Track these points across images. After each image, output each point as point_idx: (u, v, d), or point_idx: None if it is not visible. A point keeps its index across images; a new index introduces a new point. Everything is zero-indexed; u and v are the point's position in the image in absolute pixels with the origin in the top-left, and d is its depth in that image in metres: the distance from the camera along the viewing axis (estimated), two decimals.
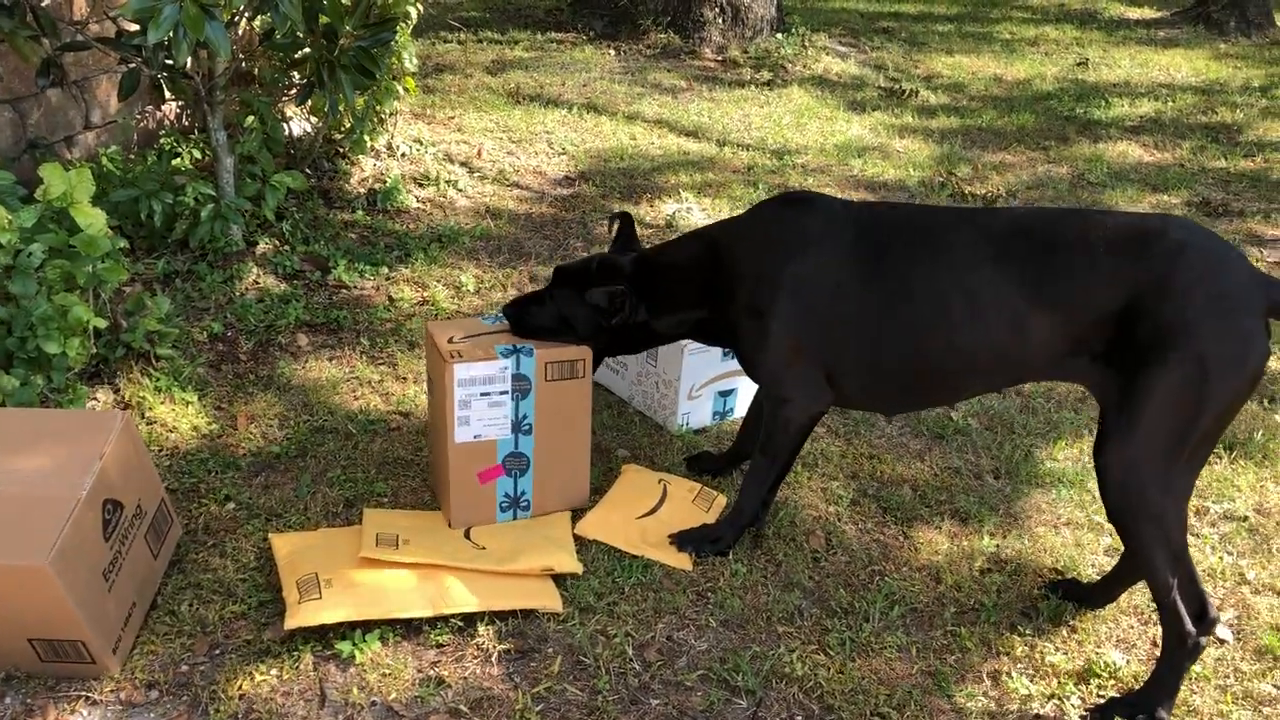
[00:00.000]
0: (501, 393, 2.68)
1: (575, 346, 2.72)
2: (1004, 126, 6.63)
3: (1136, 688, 2.37)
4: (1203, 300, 2.11)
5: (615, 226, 2.91)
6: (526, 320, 2.76)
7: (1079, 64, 8.31)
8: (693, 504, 2.93)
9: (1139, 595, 2.69)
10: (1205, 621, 2.29)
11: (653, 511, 2.87)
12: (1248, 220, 5.29)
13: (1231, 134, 6.72)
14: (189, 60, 3.60)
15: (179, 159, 4.21)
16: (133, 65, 3.63)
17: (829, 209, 2.56)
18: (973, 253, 2.32)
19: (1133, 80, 7.91)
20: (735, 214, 3.08)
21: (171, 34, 3.04)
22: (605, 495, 2.92)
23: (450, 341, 2.73)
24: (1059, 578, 2.73)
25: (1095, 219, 2.30)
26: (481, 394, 2.68)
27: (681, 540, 2.76)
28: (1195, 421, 2.13)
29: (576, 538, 2.76)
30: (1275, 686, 2.43)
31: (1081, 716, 2.33)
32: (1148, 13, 10.46)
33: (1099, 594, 2.63)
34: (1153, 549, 2.20)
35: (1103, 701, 2.35)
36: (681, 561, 2.71)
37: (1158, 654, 2.46)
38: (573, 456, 2.83)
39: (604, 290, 2.64)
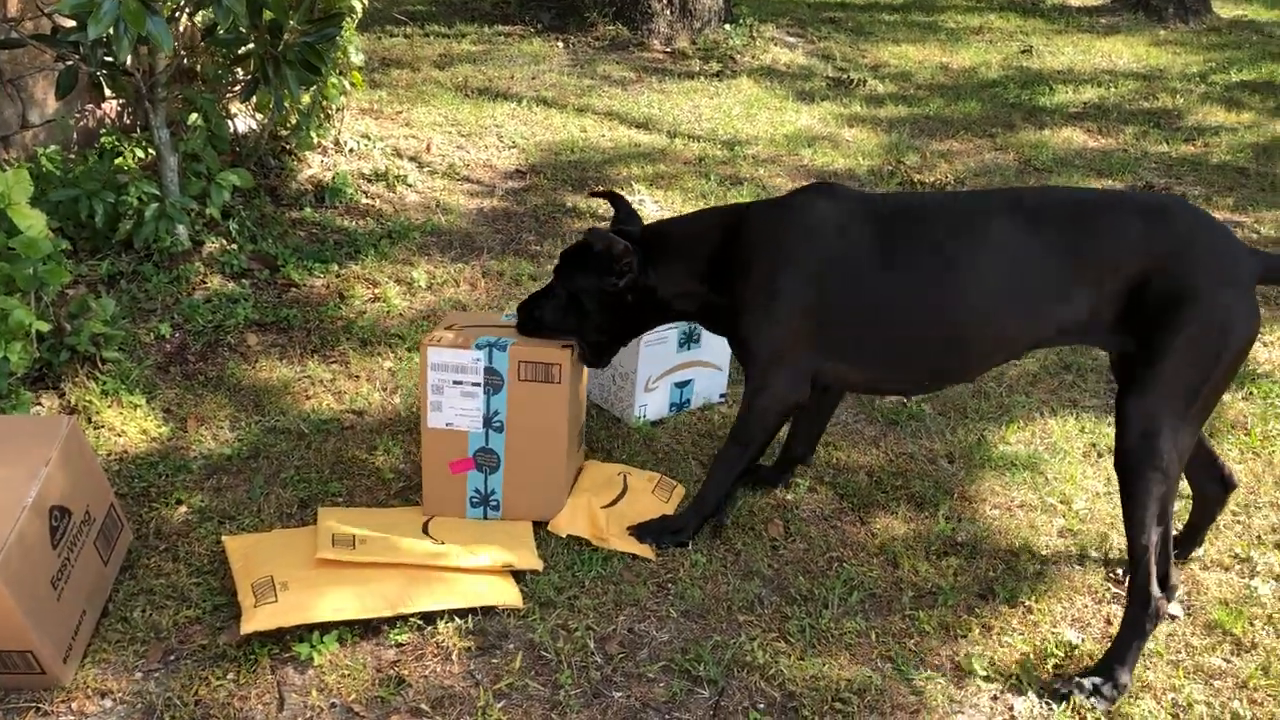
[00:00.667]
0: (474, 384, 2.67)
1: (553, 348, 2.68)
2: (951, 114, 6.69)
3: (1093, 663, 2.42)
4: (1214, 268, 2.31)
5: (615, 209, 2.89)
6: (533, 316, 2.74)
7: (1023, 52, 8.41)
8: (652, 494, 2.93)
9: (1092, 574, 2.73)
10: (1168, 588, 2.41)
11: (614, 503, 2.86)
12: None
13: (1172, 119, 6.84)
14: (129, 57, 3.53)
15: (121, 158, 4.13)
16: (70, 63, 3.55)
17: (856, 196, 2.63)
18: (1004, 229, 2.43)
19: (1076, 67, 8.01)
20: (715, 204, 3.09)
21: (111, 29, 2.99)
22: (573, 488, 2.91)
23: (447, 327, 2.75)
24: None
25: (1114, 195, 2.56)
26: (454, 381, 2.67)
27: (641, 532, 2.76)
28: (1208, 376, 2.32)
29: (548, 534, 2.74)
30: (1225, 660, 2.48)
31: (1045, 685, 2.36)
32: (1089, 1, 10.61)
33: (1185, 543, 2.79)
34: (1149, 502, 2.32)
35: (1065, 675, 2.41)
36: (647, 550, 2.71)
37: (1113, 632, 2.51)
38: (547, 463, 2.76)
39: (604, 235, 2.63)
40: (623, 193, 4.94)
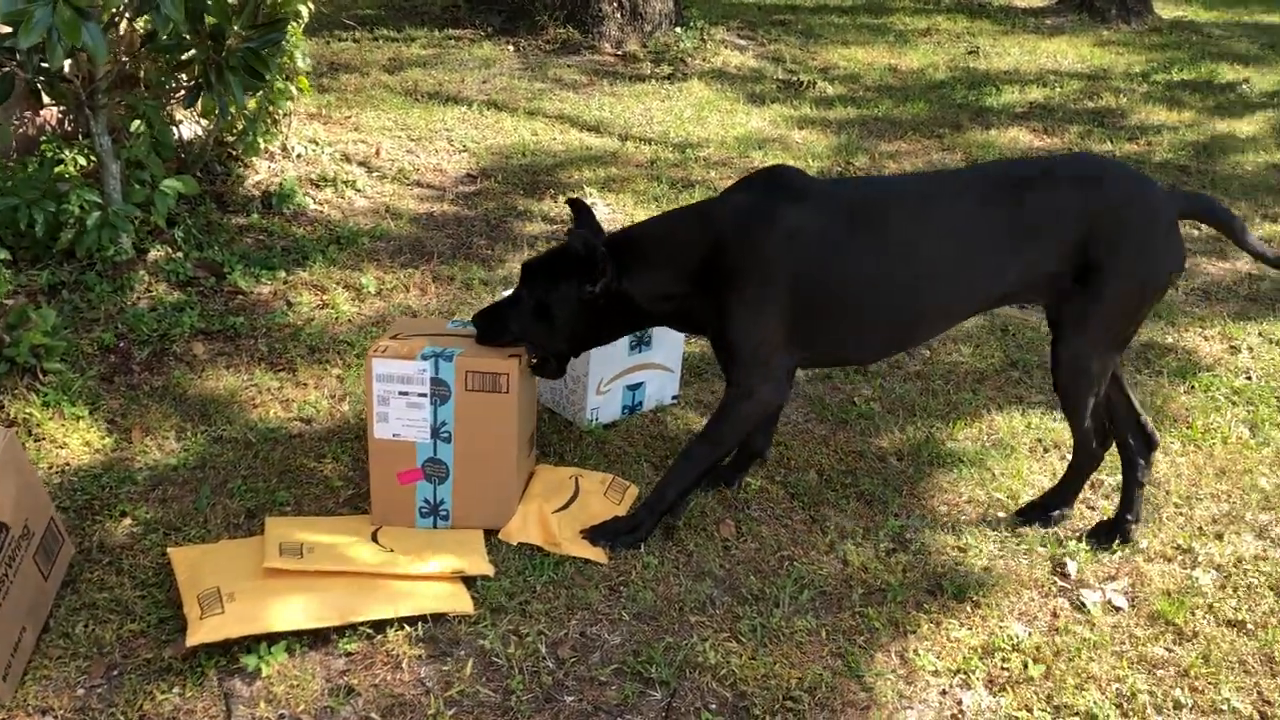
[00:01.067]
0: (420, 394, 2.65)
1: (500, 358, 2.65)
2: (899, 116, 6.75)
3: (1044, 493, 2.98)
4: (1140, 221, 2.59)
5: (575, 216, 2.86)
6: (495, 325, 2.72)
7: (970, 53, 8.51)
8: (605, 496, 2.92)
9: (1039, 569, 2.77)
10: (1153, 445, 2.88)
11: (565, 507, 2.85)
12: None
13: (1115, 118, 6.95)
14: (66, 64, 3.48)
15: (62, 165, 4.06)
16: (5, 69, 3.49)
17: (814, 184, 2.72)
18: (959, 208, 2.64)
19: (1021, 68, 8.12)
20: (708, 197, 3.09)
21: (45, 37, 2.93)
22: (524, 494, 2.89)
23: (392, 336, 2.73)
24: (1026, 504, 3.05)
25: (1049, 165, 2.79)
26: (400, 392, 2.65)
27: (595, 534, 2.76)
28: (1136, 314, 2.69)
29: (499, 540, 2.73)
30: (1167, 649, 2.52)
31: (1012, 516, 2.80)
32: (1035, 1, 10.75)
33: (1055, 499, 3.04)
34: (1084, 411, 2.74)
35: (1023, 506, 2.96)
36: (600, 554, 2.70)
37: (1059, 625, 2.55)
38: (497, 473, 2.74)
39: (584, 238, 2.61)
40: (575, 196, 4.94)
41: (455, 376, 2.64)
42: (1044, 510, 2.96)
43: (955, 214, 2.64)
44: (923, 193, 2.74)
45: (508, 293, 2.83)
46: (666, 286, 2.70)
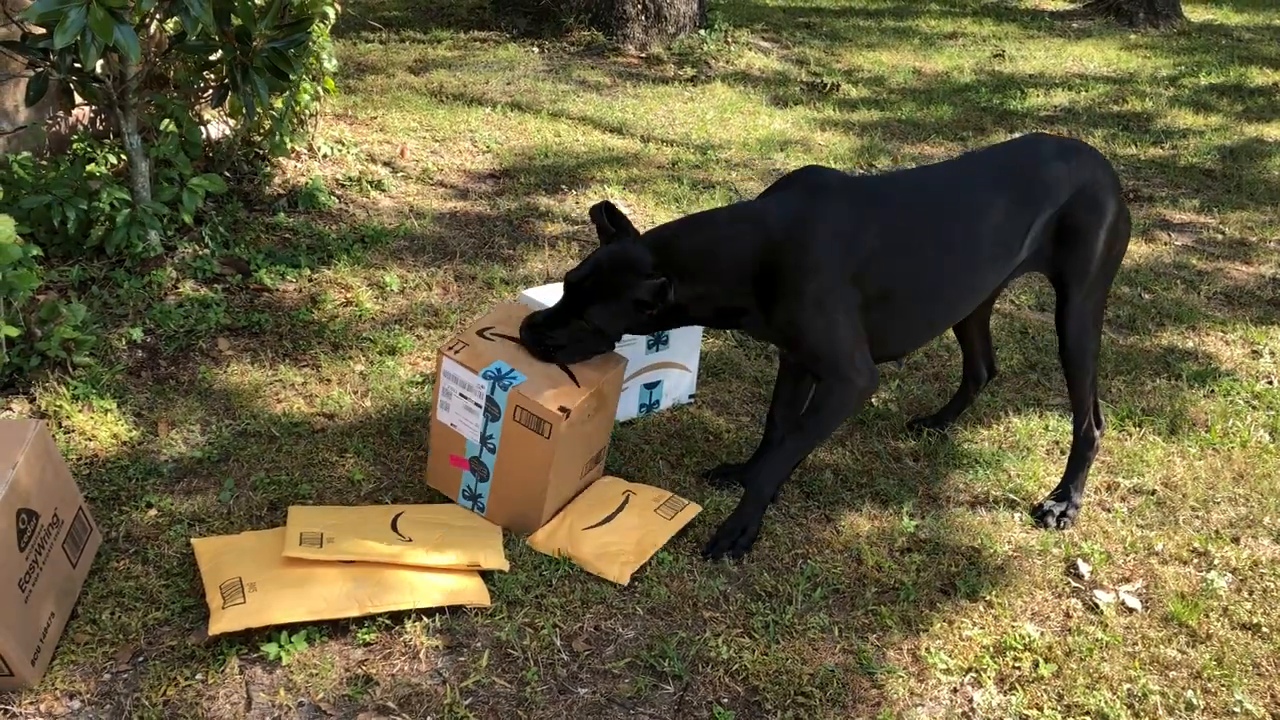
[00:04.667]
0: (476, 404, 2.72)
1: (555, 399, 2.64)
2: (923, 118, 6.75)
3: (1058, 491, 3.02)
4: (1108, 187, 2.89)
5: (603, 220, 2.79)
6: (547, 344, 2.73)
7: (996, 56, 8.49)
8: (654, 513, 2.84)
9: (1052, 570, 2.78)
10: (1100, 427, 3.08)
11: (601, 524, 2.79)
12: (1157, 206, 5.46)
13: (1141, 122, 6.92)
14: (98, 64, 3.54)
15: (93, 164, 4.14)
16: (40, 69, 3.56)
17: (850, 180, 2.85)
18: (980, 194, 2.82)
19: (1047, 71, 8.10)
20: (749, 198, 3.15)
21: (79, 38, 3.00)
22: (566, 506, 2.86)
23: (479, 331, 2.80)
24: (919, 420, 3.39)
25: (1038, 144, 3.01)
26: (461, 394, 2.73)
27: (712, 552, 2.74)
28: (1114, 271, 3.00)
29: (517, 535, 2.76)
30: (1180, 651, 2.53)
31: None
32: (1061, 5, 10.71)
33: (947, 418, 3.40)
34: (1087, 379, 2.97)
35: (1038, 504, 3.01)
36: (622, 575, 2.64)
37: (1071, 626, 2.56)
38: (529, 492, 2.75)
39: (649, 284, 2.59)
40: (596, 197, 4.98)
41: (507, 405, 2.67)
42: (1054, 501, 3.02)
43: (976, 203, 2.81)
44: (947, 183, 2.89)
45: (551, 302, 2.84)
46: (716, 296, 2.71)
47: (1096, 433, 3.04)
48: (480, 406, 2.71)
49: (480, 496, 2.82)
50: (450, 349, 2.73)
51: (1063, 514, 2.97)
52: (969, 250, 2.80)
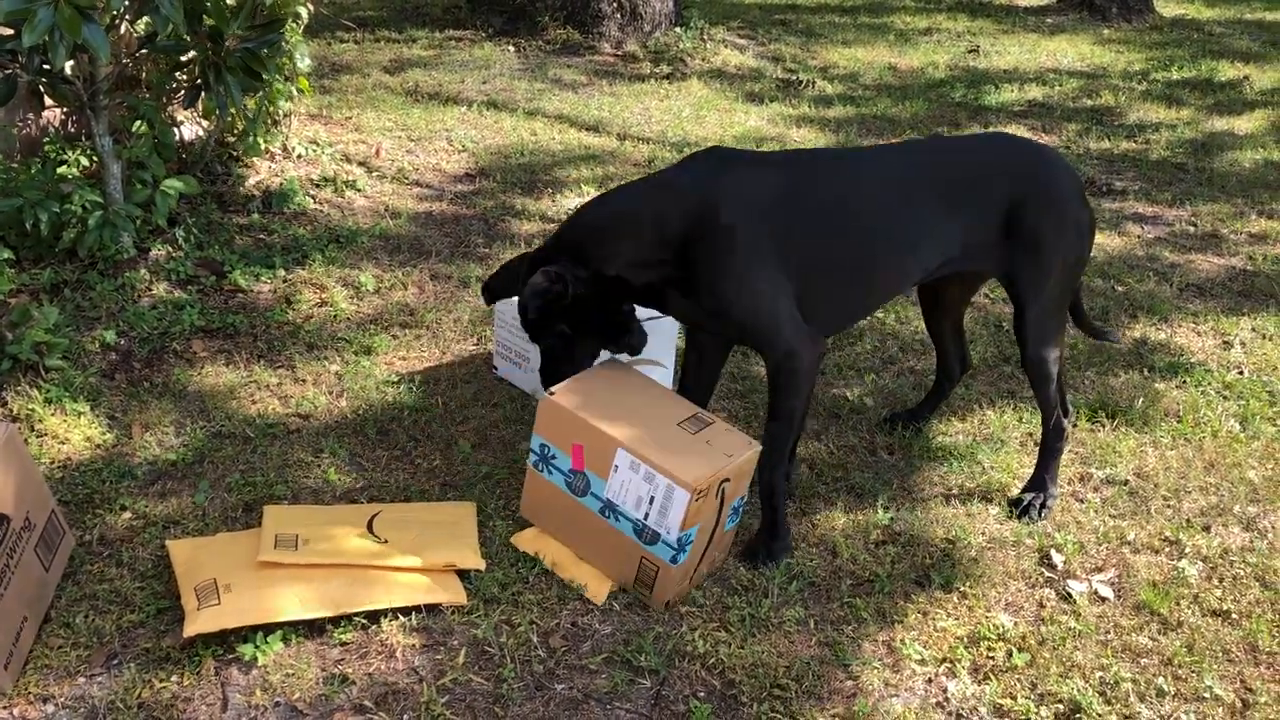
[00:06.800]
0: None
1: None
2: (898, 114, 6.78)
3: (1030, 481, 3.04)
4: (1066, 192, 2.81)
5: None
6: (556, 374, 2.76)
7: (970, 52, 8.52)
8: None
9: (1026, 560, 2.80)
10: (1068, 414, 3.12)
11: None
12: (1129, 199, 5.50)
13: (1114, 116, 6.97)
14: (68, 65, 3.52)
15: (65, 166, 4.11)
16: (8, 70, 3.54)
17: (756, 154, 2.80)
18: (903, 171, 2.80)
19: (1021, 66, 8.14)
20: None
21: (47, 37, 2.98)
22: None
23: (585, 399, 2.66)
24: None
25: (988, 139, 3.09)
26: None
27: (749, 560, 2.71)
28: (1078, 274, 2.93)
29: (493, 532, 2.76)
30: (1152, 639, 2.55)
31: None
32: (1036, 0, 10.76)
33: (922, 413, 3.40)
34: (1050, 383, 2.93)
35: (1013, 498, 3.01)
36: (599, 593, 2.60)
37: (1045, 615, 2.59)
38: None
39: (535, 285, 2.59)
40: (573, 195, 4.98)
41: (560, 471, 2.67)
42: (1029, 492, 3.03)
43: (905, 181, 2.76)
44: (871, 161, 2.87)
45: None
46: (635, 260, 2.64)
47: (1065, 422, 3.05)
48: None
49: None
50: (554, 395, 2.64)
51: (1041, 505, 2.98)
52: (887, 233, 2.71)
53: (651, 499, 2.50)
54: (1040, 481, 3.03)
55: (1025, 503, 2.98)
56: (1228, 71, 8.17)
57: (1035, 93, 7.41)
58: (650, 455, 2.49)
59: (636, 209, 2.67)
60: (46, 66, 3.49)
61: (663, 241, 2.60)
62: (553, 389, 2.66)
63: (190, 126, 4.63)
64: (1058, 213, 2.78)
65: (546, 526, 2.76)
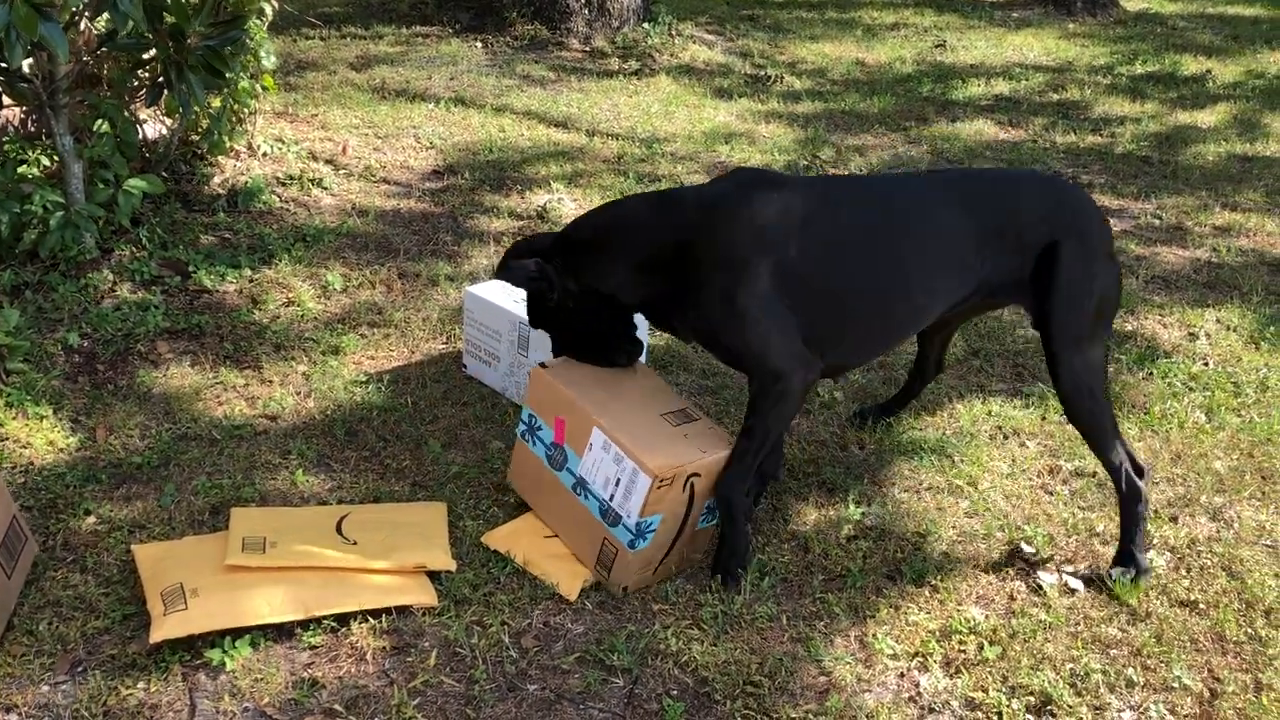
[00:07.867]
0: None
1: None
2: (865, 109, 6.80)
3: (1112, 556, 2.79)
4: (1099, 226, 2.73)
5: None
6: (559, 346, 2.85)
7: (937, 46, 8.56)
8: None
9: (997, 552, 2.82)
10: (1143, 474, 2.76)
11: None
12: (1095, 192, 5.54)
13: (1079, 110, 7.02)
14: (26, 63, 3.47)
15: (25, 166, 4.05)
16: None
17: (790, 183, 2.73)
18: (929, 204, 2.71)
19: (987, 61, 8.19)
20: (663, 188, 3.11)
21: (3, 35, 2.93)
22: (527, 512, 2.83)
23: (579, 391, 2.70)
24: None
25: (1018, 176, 3.07)
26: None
27: (718, 573, 2.64)
28: (1114, 313, 2.78)
29: (464, 533, 2.74)
30: (1121, 630, 2.57)
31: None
32: None
33: (893, 408, 3.36)
34: (1106, 434, 2.72)
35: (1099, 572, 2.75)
36: (571, 590, 2.58)
37: (1015, 608, 2.60)
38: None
39: (520, 264, 2.61)
40: (542, 192, 4.96)
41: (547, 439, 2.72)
42: (1117, 567, 2.74)
43: (934, 217, 2.67)
44: (897, 191, 2.81)
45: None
46: (628, 276, 2.63)
47: (1140, 482, 2.73)
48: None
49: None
50: (545, 368, 2.75)
51: (1133, 580, 2.69)
52: (911, 268, 2.64)
53: (618, 481, 2.54)
54: (1128, 555, 2.72)
55: (1114, 579, 2.69)
56: (1191, 66, 8.25)
57: (1002, 87, 7.46)
58: (622, 438, 2.54)
59: (639, 222, 2.66)
60: (3, 65, 3.44)
61: (659, 258, 2.59)
62: (547, 362, 2.71)
63: (154, 125, 4.57)
64: (1089, 257, 2.66)
65: (528, 496, 2.83)
